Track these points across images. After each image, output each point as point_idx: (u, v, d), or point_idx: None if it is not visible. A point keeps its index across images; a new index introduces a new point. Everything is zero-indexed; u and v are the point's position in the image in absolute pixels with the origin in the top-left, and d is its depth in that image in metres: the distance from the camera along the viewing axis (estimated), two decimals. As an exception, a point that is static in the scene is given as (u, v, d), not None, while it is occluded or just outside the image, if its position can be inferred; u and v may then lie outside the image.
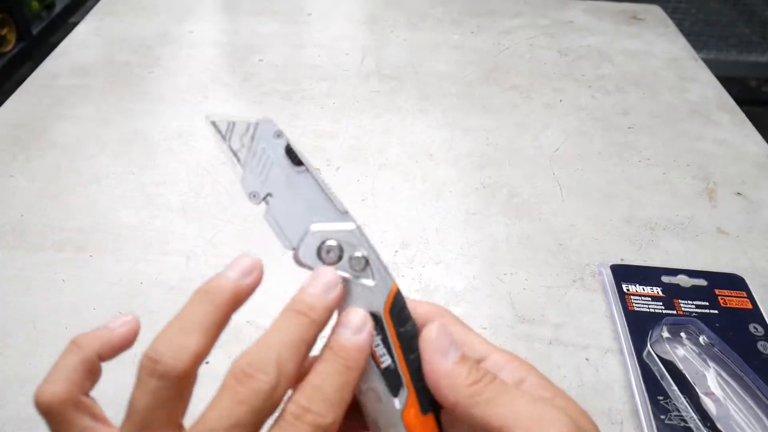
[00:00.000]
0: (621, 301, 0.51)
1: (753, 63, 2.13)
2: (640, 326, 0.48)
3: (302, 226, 0.27)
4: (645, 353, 0.47)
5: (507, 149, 0.70)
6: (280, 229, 0.27)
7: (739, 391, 0.44)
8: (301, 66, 0.84)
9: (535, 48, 0.90)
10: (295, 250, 0.27)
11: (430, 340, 0.25)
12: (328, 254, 0.26)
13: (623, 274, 0.53)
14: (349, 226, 0.27)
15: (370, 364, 0.26)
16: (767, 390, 0.44)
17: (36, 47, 1.92)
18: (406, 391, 0.26)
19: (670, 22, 1.00)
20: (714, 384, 0.45)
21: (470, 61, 0.87)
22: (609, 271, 0.53)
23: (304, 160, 0.28)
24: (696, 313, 0.50)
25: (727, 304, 0.51)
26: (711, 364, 0.46)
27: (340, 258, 0.26)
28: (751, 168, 0.68)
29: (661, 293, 0.51)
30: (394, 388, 0.26)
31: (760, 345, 0.47)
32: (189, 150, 0.68)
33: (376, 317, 0.26)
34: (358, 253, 0.26)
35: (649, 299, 0.51)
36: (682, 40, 0.94)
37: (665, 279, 0.53)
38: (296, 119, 0.73)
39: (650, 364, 0.46)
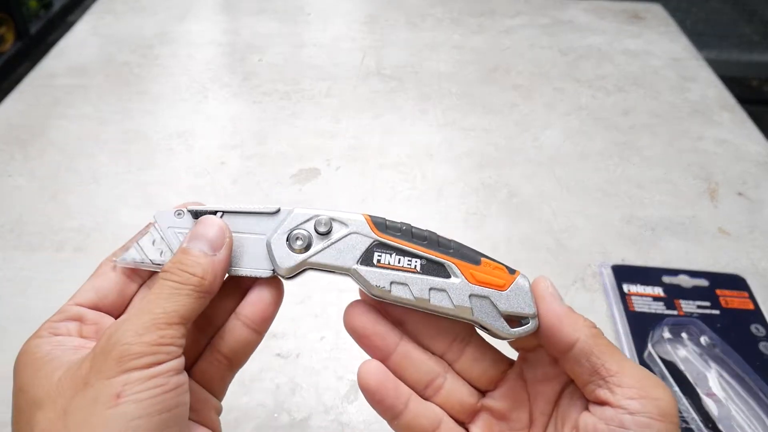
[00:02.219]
0: (622, 302, 0.50)
1: (754, 62, 2.12)
2: (641, 327, 0.48)
3: (262, 249, 0.28)
4: (646, 354, 0.46)
5: (507, 149, 0.69)
6: (249, 270, 0.28)
7: (741, 391, 0.44)
8: (301, 66, 0.84)
9: (535, 47, 0.90)
10: (274, 270, 0.28)
11: (547, 286, 0.27)
12: (298, 241, 0.28)
13: (624, 274, 0.53)
14: (292, 213, 0.28)
15: (412, 282, 0.27)
16: (769, 391, 0.44)
17: (34, 46, 1.91)
18: (452, 265, 0.28)
19: (671, 21, 0.99)
20: (715, 385, 0.44)
21: (470, 61, 0.86)
22: (610, 272, 0.53)
23: (213, 209, 0.29)
24: (697, 313, 0.49)
25: (728, 304, 0.50)
26: (712, 364, 0.46)
27: (311, 237, 0.28)
28: (752, 168, 0.68)
29: (662, 293, 0.51)
30: (443, 274, 0.27)
31: (762, 346, 0.47)
32: (189, 150, 0.68)
33: (378, 243, 0.28)
34: (318, 218, 0.28)
35: (650, 299, 0.51)
36: (683, 40, 0.94)
37: (666, 279, 0.52)
38: (296, 119, 0.73)
39: (651, 365, 0.46)
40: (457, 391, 0.29)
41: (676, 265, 0.54)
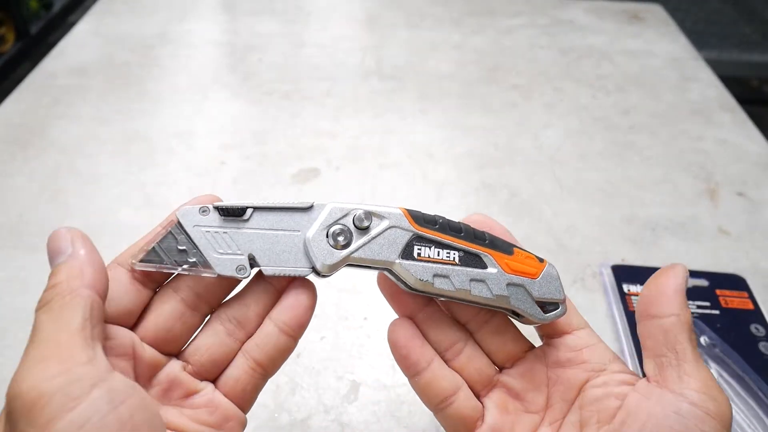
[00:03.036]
0: (622, 302, 0.50)
1: (754, 62, 2.12)
2: (641, 327, 0.48)
3: (298, 247, 0.27)
4: (646, 354, 0.46)
5: (507, 149, 0.69)
6: (288, 269, 0.27)
7: (741, 391, 0.44)
8: (301, 66, 0.84)
9: (535, 47, 0.90)
10: (313, 267, 0.27)
11: (674, 267, 0.28)
12: (339, 237, 0.27)
13: (624, 274, 0.53)
14: (327, 208, 0.27)
15: (453, 273, 0.28)
16: (769, 391, 0.44)
17: (34, 46, 1.91)
18: (488, 256, 0.28)
19: (671, 21, 0.99)
20: (715, 385, 0.44)
21: (470, 61, 0.86)
22: (610, 272, 0.53)
23: (243, 204, 0.27)
24: (697, 313, 0.49)
25: (728, 304, 0.50)
26: (712, 364, 0.46)
27: (350, 232, 0.27)
28: (752, 168, 0.68)
29: (662, 294, 0.51)
30: (481, 265, 0.28)
31: (762, 346, 0.47)
32: (189, 150, 0.68)
33: (417, 236, 0.28)
34: (357, 213, 0.27)
35: (650, 300, 0.50)
36: (683, 40, 0.94)
37: (666, 279, 0.52)
38: (296, 119, 0.73)
39: (651, 365, 0.45)
40: (476, 358, 0.30)
41: (676, 265, 0.54)
